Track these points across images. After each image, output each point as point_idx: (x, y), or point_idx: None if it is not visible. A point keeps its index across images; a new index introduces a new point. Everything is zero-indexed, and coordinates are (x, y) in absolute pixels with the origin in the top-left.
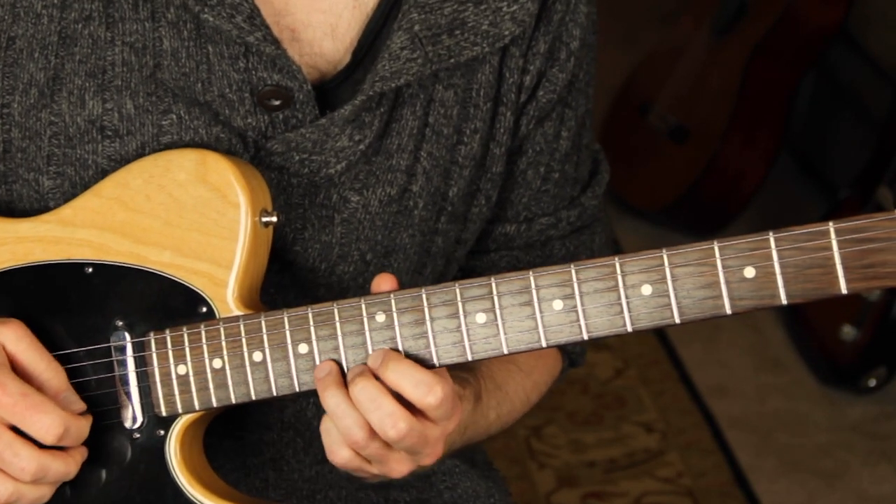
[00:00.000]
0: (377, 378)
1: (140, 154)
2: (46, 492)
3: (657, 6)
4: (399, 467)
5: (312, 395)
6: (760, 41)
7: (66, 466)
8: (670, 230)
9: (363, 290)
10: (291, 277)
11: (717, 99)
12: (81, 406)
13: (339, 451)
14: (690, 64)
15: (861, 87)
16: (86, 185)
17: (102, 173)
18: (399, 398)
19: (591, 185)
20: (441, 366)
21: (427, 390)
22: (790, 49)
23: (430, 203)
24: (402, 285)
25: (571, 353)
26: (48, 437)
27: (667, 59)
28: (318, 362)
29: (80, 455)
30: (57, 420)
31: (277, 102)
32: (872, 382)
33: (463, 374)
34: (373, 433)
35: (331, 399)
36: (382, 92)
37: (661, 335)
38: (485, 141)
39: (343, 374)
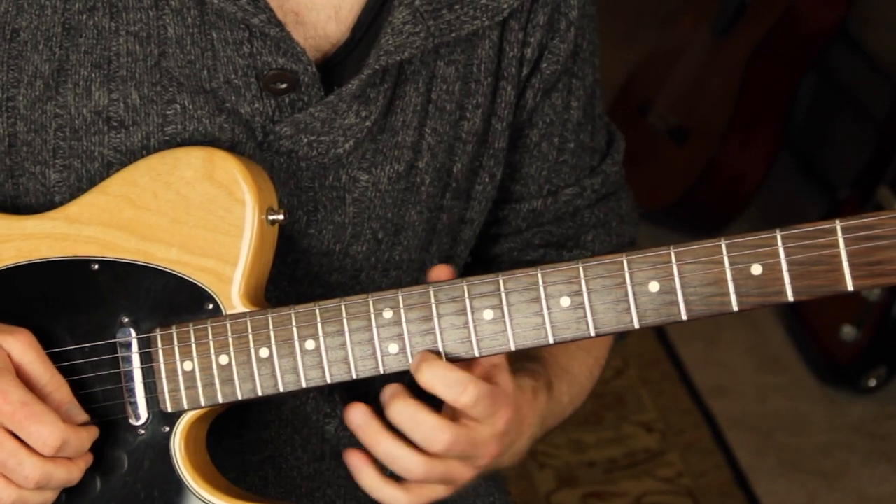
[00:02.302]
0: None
1: (145, 145)
2: (50, 496)
3: (657, 6)
4: (462, 475)
5: (314, 391)
6: (760, 41)
7: (69, 474)
8: (670, 230)
9: (375, 269)
10: (306, 267)
11: (717, 99)
12: (84, 417)
13: (402, 502)
14: (690, 64)
15: (861, 87)
16: (91, 178)
17: (108, 165)
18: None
19: (610, 153)
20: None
21: (461, 390)
22: (790, 49)
23: (436, 179)
24: (410, 262)
25: None
26: (46, 449)
27: (667, 59)
28: (325, 359)
29: (85, 462)
30: (56, 432)
31: (283, 86)
32: (872, 382)
33: (531, 364)
34: (430, 458)
35: (382, 447)
36: (387, 66)
37: (661, 335)
38: (486, 116)
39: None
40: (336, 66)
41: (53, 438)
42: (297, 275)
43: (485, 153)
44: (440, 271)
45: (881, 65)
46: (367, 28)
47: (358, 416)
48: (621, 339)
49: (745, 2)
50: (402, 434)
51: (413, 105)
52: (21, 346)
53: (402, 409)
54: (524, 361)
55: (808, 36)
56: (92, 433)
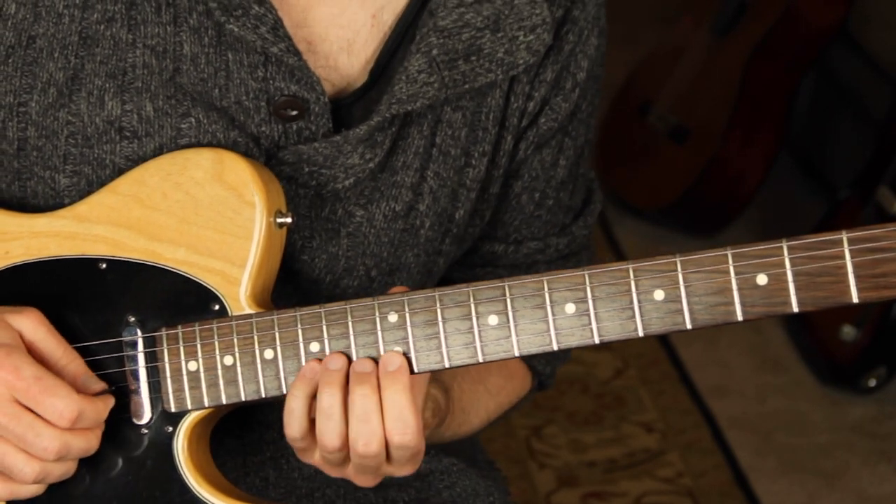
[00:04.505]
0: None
1: (158, 155)
2: (71, 467)
3: (657, 6)
4: (345, 475)
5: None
6: (760, 41)
7: (87, 443)
8: (670, 230)
9: None
10: (295, 287)
11: (717, 99)
12: (100, 386)
13: (294, 428)
14: (690, 64)
15: (861, 87)
16: (103, 184)
17: (119, 172)
18: None
19: (584, 214)
20: (452, 367)
21: (402, 429)
22: (790, 49)
23: (436, 223)
24: None
25: (541, 375)
26: (62, 421)
27: (667, 59)
28: None
29: (100, 429)
30: (71, 404)
31: (293, 113)
32: (872, 382)
33: (438, 394)
34: (344, 445)
35: (328, 398)
36: (397, 114)
37: (661, 336)
38: (488, 164)
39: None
40: (347, 102)
41: (69, 410)
42: (287, 291)
43: (480, 198)
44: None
45: (881, 65)
46: (383, 68)
47: (337, 361)
48: (538, 389)
49: (745, 2)
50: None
51: (416, 147)
52: (32, 324)
53: (366, 397)
54: (434, 388)
55: (807, 36)
56: (108, 402)
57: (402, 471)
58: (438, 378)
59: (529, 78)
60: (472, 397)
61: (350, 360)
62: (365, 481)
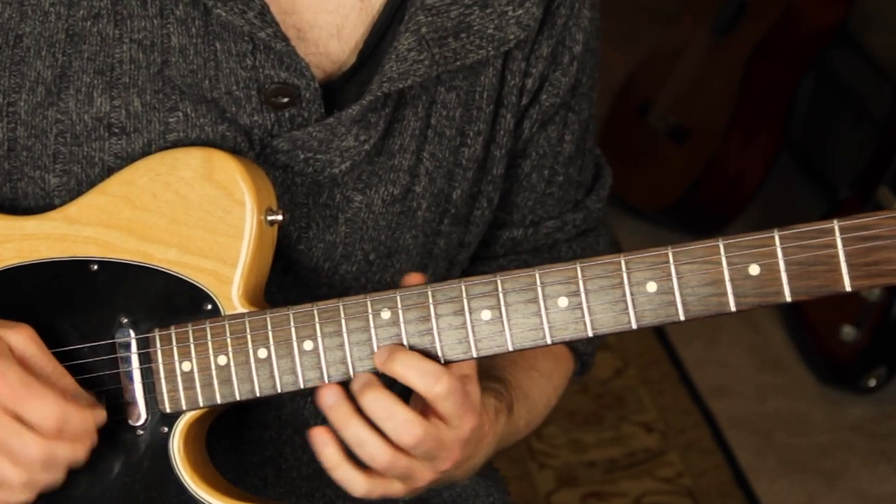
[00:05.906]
0: (380, 379)
1: (146, 152)
2: (59, 475)
3: (657, 6)
4: (422, 476)
5: (313, 391)
6: (760, 41)
7: (73, 452)
8: (670, 230)
9: (365, 290)
10: (294, 277)
11: (717, 99)
12: (89, 401)
13: (358, 486)
14: (690, 64)
15: (861, 87)
16: (92, 183)
17: (109, 171)
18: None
19: (595, 189)
20: (447, 363)
21: (434, 380)
22: (790, 49)
23: (433, 204)
24: None
25: (583, 355)
26: (45, 423)
27: (667, 59)
28: (323, 359)
29: (89, 440)
30: (54, 408)
31: (284, 100)
32: (872, 382)
33: (495, 385)
34: (397, 450)
35: (350, 430)
36: (389, 93)
37: (661, 335)
38: (486, 143)
39: (349, 395)
40: (339, 87)
41: (53, 414)
42: (286, 282)
43: (483, 179)
44: (412, 279)
45: (881, 65)
46: (372, 50)
47: (331, 396)
48: (581, 372)
49: (746, 1)
50: (372, 423)
51: (411, 129)
52: (23, 340)
53: (377, 399)
54: (489, 382)
55: (808, 36)
56: (97, 414)
57: (466, 426)
58: (491, 372)
59: (525, 54)
60: (530, 382)
61: (341, 381)
62: (448, 460)
